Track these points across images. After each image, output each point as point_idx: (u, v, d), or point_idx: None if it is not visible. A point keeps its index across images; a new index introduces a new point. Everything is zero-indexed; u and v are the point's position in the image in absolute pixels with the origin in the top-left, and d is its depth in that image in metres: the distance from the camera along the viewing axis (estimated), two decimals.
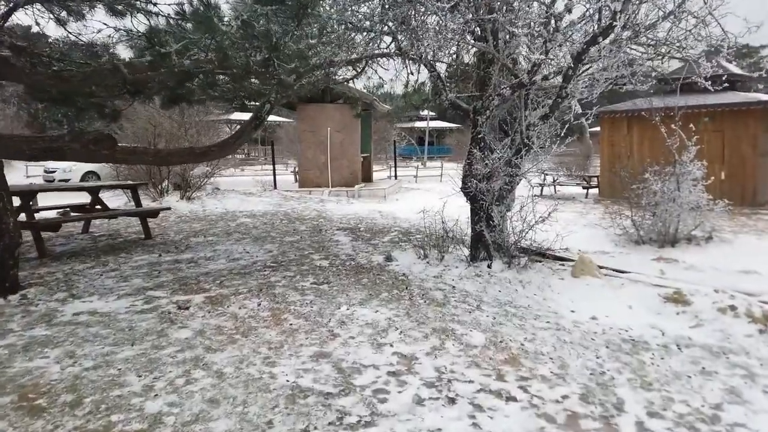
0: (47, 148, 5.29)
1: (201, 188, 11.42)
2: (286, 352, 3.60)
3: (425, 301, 4.73)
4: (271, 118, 34.11)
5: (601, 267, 5.71)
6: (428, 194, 15.34)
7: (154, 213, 7.49)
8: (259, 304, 4.56)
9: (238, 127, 16.94)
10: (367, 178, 15.83)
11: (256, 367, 3.33)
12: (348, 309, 4.47)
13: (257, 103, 7.76)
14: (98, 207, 7.62)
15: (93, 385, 3.04)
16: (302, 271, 5.70)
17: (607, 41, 5.10)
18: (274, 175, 15.64)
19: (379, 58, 7.93)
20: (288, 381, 3.16)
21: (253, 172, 23.93)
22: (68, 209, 8.11)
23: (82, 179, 17.17)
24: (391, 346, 3.74)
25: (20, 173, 20.88)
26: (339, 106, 14.45)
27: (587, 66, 5.42)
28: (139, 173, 10.90)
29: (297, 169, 18.25)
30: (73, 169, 17.20)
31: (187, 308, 4.40)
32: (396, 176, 19.39)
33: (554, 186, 16.31)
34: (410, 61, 7.73)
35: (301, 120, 14.55)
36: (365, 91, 13.96)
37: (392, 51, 7.31)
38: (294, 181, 17.04)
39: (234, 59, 4.62)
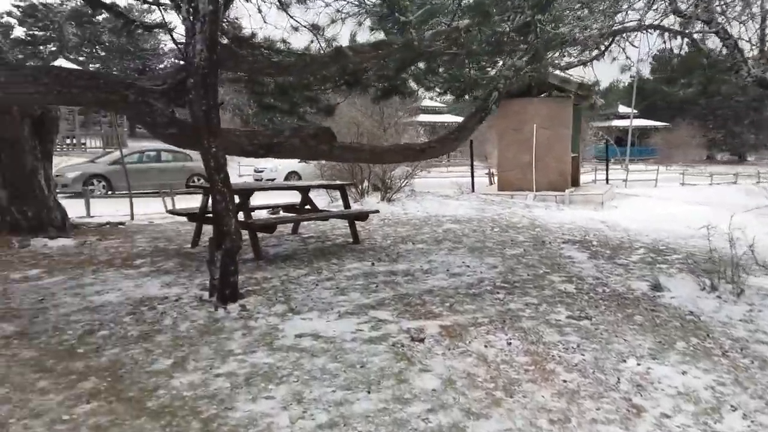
0: (267, 143, 4.89)
1: (400, 190, 10.89)
2: (576, 430, 2.48)
3: (754, 362, 3.25)
4: (454, 119, 33.37)
5: None
6: (651, 201, 13.10)
7: (363, 216, 6.95)
8: (509, 343, 3.51)
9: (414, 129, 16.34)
10: (575, 181, 14.07)
11: None
12: (638, 364, 3.21)
13: (473, 95, 6.81)
14: (307, 207, 7.33)
15: None
16: (546, 298, 4.54)
17: None
18: (472, 177, 14.69)
19: (630, 33, 6.44)
20: None
21: (438, 173, 23.38)
22: (279, 208, 8.01)
23: (286, 179, 18.07)
24: None
25: (233, 172, 22.90)
26: (545, 100, 12.98)
27: None
28: (343, 173, 10.72)
29: (492, 171, 17.13)
30: (278, 169, 18.19)
31: (422, 340, 3.53)
32: (608, 180, 17.16)
33: None
34: (670, 34, 6.13)
35: (501, 117, 13.37)
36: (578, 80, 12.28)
37: (653, 21, 5.80)
38: (488, 184, 15.93)
39: (489, 25, 3.66)
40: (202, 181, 16.68)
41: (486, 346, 3.45)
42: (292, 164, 18.28)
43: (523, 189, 12.50)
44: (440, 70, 6.43)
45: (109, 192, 14.68)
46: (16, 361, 3.17)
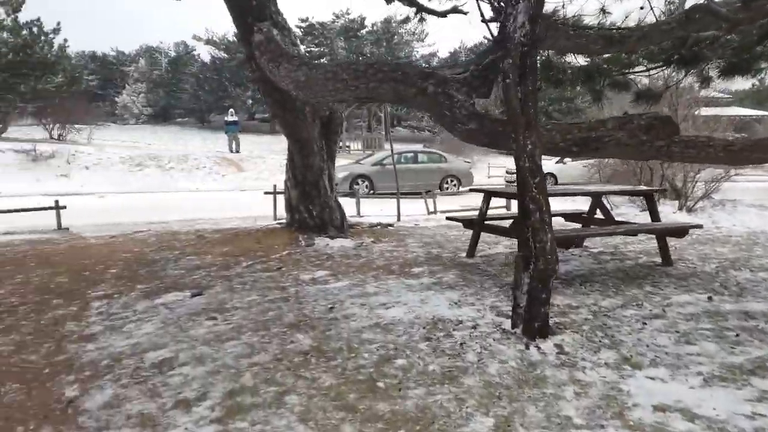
0: (583, 138, 3.89)
1: (706, 197, 8.81)
2: None
3: None
4: (746, 111, 27.88)
5: None
6: None
7: (681, 231, 5.46)
8: None
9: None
10: None
11: None
12: None
13: None
14: (598, 217, 6.13)
15: None
16: None
17: None
18: None
19: None
20: None
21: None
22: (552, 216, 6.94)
23: None
24: None
25: (481, 173, 22.44)
26: None
27: None
28: (624, 175, 9.14)
29: None
30: None
31: None
32: None
33: None
34: None
35: None
36: None
37: None
38: None
39: None
40: (455, 182, 16.51)
41: None
42: (548, 165, 16.92)
43: None
44: None
45: (371, 191, 15.36)
46: (317, 389, 2.77)
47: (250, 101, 43.53)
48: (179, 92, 41.48)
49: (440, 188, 16.05)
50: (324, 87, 4.52)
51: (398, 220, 8.93)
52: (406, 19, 5.31)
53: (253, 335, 3.60)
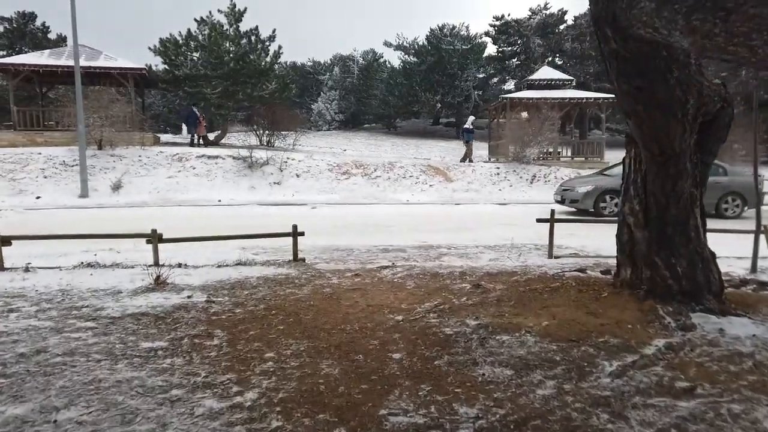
0: None
1: None
2: None
3: None
4: None
5: None
6: None
7: None
8: None
9: None
10: None
11: None
12: None
13: None
14: None
15: None
16: None
17: None
18: None
19: None
20: None
21: None
22: None
23: None
24: None
25: None
26: None
27: None
28: None
29: None
30: None
31: None
32: None
33: None
34: None
35: None
36: None
37: None
38: None
39: None
40: (737, 202, 12.55)
41: None
42: None
43: None
44: None
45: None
46: None
47: (439, 105, 42.16)
48: (369, 98, 41.62)
49: (716, 209, 12.29)
50: None
51: (753, 270, 5.87)
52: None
53: None
